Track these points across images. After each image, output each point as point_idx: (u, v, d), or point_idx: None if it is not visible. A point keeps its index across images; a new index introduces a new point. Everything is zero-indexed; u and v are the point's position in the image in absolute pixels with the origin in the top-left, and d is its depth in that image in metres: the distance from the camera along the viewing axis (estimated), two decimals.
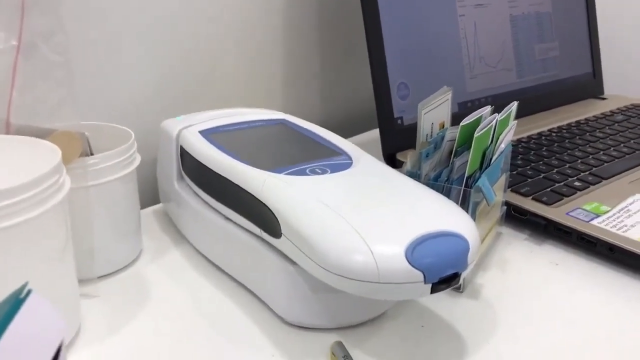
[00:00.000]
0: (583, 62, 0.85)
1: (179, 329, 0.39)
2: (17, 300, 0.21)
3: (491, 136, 0.44)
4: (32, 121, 0.40)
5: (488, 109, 0.46)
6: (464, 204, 0.42)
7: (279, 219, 0.37)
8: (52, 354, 0.21)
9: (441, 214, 0.36)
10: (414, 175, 0.43)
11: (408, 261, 0.32)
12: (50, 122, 0.40)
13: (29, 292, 0.21)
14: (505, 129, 0.46)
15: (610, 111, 0.79)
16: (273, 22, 0.67)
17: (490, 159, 0.44)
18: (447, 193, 0.42)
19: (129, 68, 0.57)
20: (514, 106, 0.47)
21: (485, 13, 0.71)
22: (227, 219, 0.43)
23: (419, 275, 0.32)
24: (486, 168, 0.43)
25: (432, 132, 0.46)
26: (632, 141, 0.68)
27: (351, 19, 0.76)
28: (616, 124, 0.73)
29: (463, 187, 0.41)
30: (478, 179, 0.42)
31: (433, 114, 0.46)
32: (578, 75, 0.84)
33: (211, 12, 0.61)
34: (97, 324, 0.39)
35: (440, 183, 0.42)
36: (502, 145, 0.45)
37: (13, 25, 0.40)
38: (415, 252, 0.32)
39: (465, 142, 0.43)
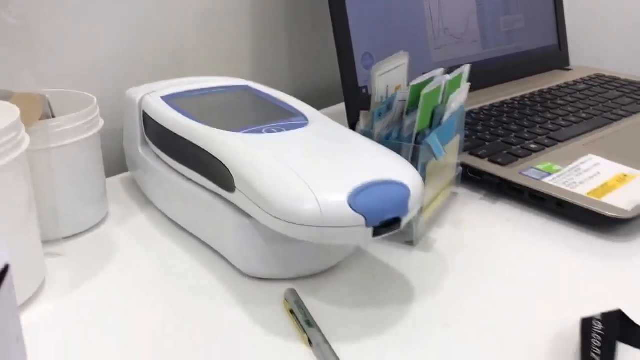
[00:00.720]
0: (548, 34, 0.86)
1: (141, 284, 0.41)
2: None
3: (441, 96, 0.45)
4: None
5: (440, 70, 0.47)
6: (414, 160, 0.43)
7: (232, 174, 0.38)
8: None
9: (385, 165, 0.37)
10: (368, 134, 0.45)
11: (350, 206, 0.34)
12: (12, 86, 0.41)
13: None
14: (456, 90, 0.47)
15: (574, 81, 0.81)
16: None
17: (441, 119, 0.46)
18: (398, 150, 0.44)
19: (96, 39, 0.58)
20: (465, 68, 0.49)
21: None
22: (188, 179, 0.45)
23: (360, 219, 0.34)
24: (437, 127, 0.45)
25: (387, 94, 0.47)
26: (591, 108, 0.70)
27: None
28: (578, 93, 0.75)
29: (413, 144, 0.43)
30: (427, 136, 0.43)
31: (388, 77, 0.47)
32: (543, 46, 0.85)
33: None
34: (61, 280, 0.41)
35: (390, 142, 0.44)
36: (454, 106, 0.47)
37: None
38: (357, 198, 0.34)
39: (416, 102, 0.45)
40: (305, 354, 0.34)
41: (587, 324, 0.34)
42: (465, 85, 0.49)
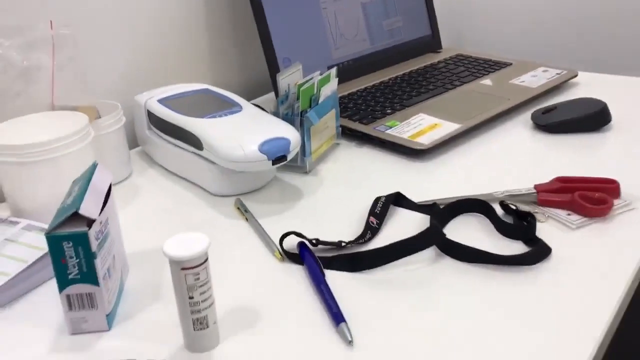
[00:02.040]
0: (423, 27, 1.21)
1: (156, 204, 0.76)
2: (93, 166, 0.57)
3: (315, 88, 0.80)
4: (66, 102, 0.75)
5: (317, 72, 0.82)
6: (302, 126, 0.79)
7: (201, 140, 0.73)
8: (107, 187, 0.57)
9: (279, 130, 0.72)
10: (276, 114, 0.80)
11: (259, 151, 0.69)
12: (76, 101, 0.75)
13: (96, 164, 0.58)
14: (327, 83, 0.82)
15: (438, 61, 1.16)
16: (203, 21, 1.02)
17: (317, 101, 0.81)
18: (292, 122, 0.79)
19: (109, 67, 0.91)
20: (333, 70, 0.84)
21: (341, 4, 1.07)
22: (177, 146, 0.80)
23: (264, 157, 0.69)
24: (315, 106, 0.80)
25: (288, 90, 0.82)
26: (439, 81, 1.05)
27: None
28: (436, 70, 1.10)
29: (299, 118, 0.78)
30: (307, 112, 0.78)
31: (289, 79, 0.82)
32: (420, 37, 1.20)
33: (157, 14, 0.96)
34: None
35: (288, 117, 0.79)
36: (325, 93, 0.82)
37: (49, 51, 0.75)
38: (263, 146, 0.69)
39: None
40: (244, 225, 0.70)
41: (377, 199, 0.70)
42: (334, 80, 0.84)
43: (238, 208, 0.73)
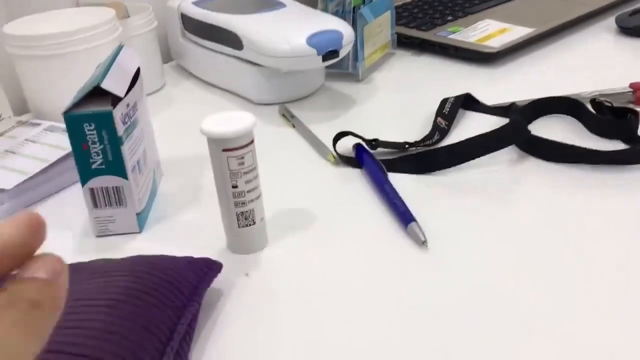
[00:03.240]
0: None
1: (192, 114, 0.68)
2: (119, 47, 0.49)
3: None
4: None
5: None
6: (354, 24, 0.69)
7: (240, 37, 0.64)
8: (135, 68, 0.49)
9: (329, 23, 0.63)
10: (325, 11, 0.70)
11: (307, 44, 0.60)
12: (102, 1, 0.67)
13: (122, 45, 0.50)
14: None
15: None
16: None
17: None
18: (343, 19, 0.69)
19: None
20: None
21: None
22: (215, 51, 0.71)
23: (314, 51, 0.60)
24: (369, 3, 0.70)
25: None
26: None
27: None
28: None
29: (352, 14, 0.69)
30: (361, 9, 0.69)
31: None
32: None
33: None
34: None
35: (339, 14, 0.69)
36: None
37: None
38: (311, 39, 0.60)
39: None
40: (291, 132, 0.61)
41: (444, 100, 0.60)
42: None
43: (283, 115, 0.64)
